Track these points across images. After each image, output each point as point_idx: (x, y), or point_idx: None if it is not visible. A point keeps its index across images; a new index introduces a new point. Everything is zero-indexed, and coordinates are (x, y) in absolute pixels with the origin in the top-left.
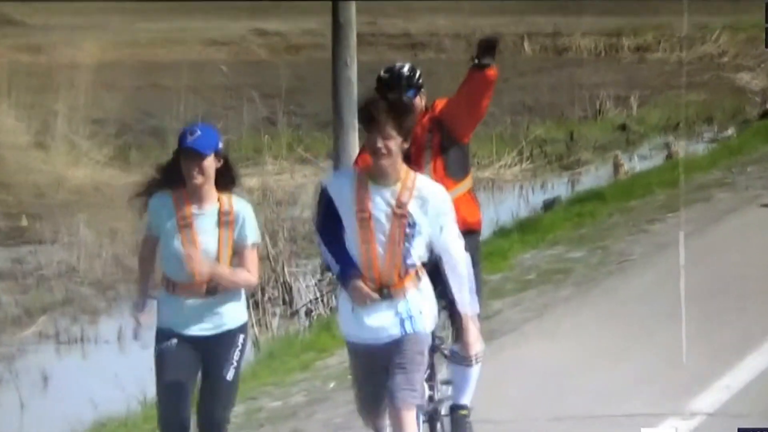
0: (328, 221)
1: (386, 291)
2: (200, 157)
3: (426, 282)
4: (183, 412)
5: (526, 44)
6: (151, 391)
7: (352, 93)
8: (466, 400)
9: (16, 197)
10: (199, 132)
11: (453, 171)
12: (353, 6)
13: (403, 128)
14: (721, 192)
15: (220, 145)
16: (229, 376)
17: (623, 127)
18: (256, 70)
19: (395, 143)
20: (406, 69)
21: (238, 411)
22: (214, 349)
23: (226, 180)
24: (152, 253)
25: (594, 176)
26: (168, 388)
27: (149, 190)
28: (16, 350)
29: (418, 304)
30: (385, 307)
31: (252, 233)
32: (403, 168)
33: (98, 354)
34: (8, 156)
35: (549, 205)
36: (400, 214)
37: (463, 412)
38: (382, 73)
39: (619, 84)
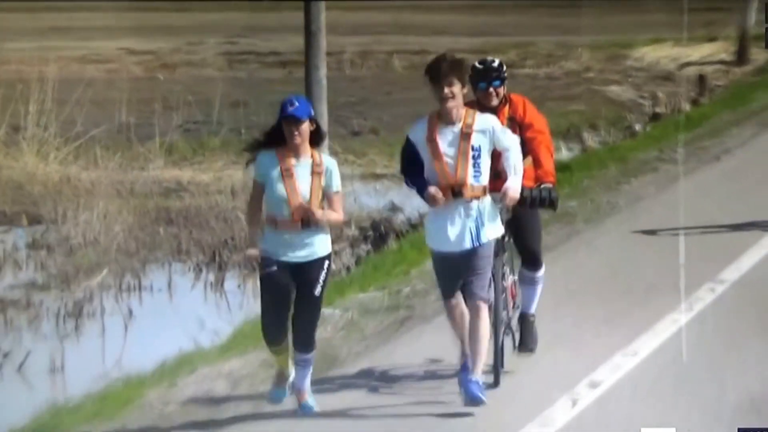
0: (409, 163)
1: (458, 191)
2: (299, 121)
3: (490, 201)
4: (282, 321)
5: (396, 61)
6: (199, 332)
7: (322, 93)
8: (532, 309)
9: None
10: (297, 103)
11: (522, 155)
12: (323, 16)
13: (462, 78)
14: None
15: (312, 113)
16: (317, 292)
17: None
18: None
19: (458, 89)
20: (495, 63)
21: (377, 296)
22: (306, 272)
23: (317, 139)
24: (260, 197)
25: None
26: (270, 302)
27: (257, 148)
28: (85, 297)
29: (484, 215)
30: (460, 225)
31: (336, 182)
32: (464, 109)
33: (152, 300)
34: None
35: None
36: (464, 142)
37: (531, 318)
38: (476, 63)
39: None
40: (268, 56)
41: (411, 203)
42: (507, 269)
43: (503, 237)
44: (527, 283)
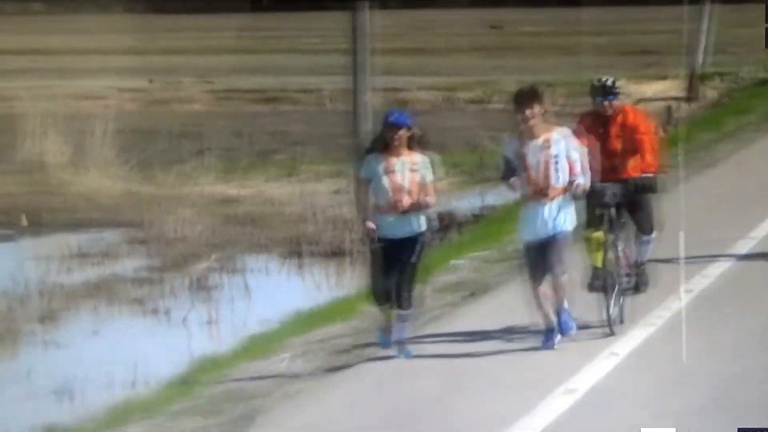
0: (506, 171)
1: (543, 193)
2: (398, 128)
3: (569, 199)
4: (389, 286)
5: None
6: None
7: (368, 113)
8: (644, 259)
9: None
10: (396, 114)
11: (632, 152)
12: (368, 47)
13: (540, 102)
14: None
15: (409, 122)
16: (413, 260)
17: None
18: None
19: (537, 111)
20: (609, 82)
21: (487, 254)
22: (407, 246)
23: (412, 143)
24: (366, 190)
25: None
26: (379, 270)
27: (367, 151)
28: (201, 275)
29: (564, 209)
30: (544, 218)
31: (429, 174)
32: (545, 126)
33: (256, 278)
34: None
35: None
36: (545, 153)
37: (643, 267)
38: (595, 81)
39: (474, 127)
40: (252, 93)
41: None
42: (620, 242)
43: (618, 217)
44: (642, 243)
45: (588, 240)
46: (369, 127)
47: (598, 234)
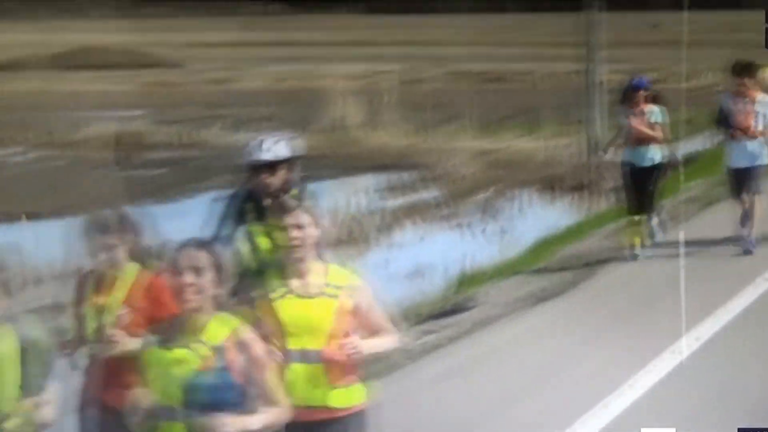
0: (720, 118)
1: (746, 133)
2: (639, 89)
3: (763, 141)
4: (639, 198)
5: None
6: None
7: (595, 92)
8: None
9: None
10: (637, 79)
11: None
12: (596, 33)
13: (752, 74)
14: None
15: (646, 84)
16: (655, 181)
17: None
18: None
19: (749, 82)
20: (751, 64)
21: (708, 180)
22: (649, 171)
23: (648, 98)
24: (619, 131)
25: None
26: (630, 189)
27: (619, 103)
28: (484, 203)
29: (760, 147)
30: (748, 151)
31: (659, 119)
32: (753, 90)
33: (523, 203)
34: None
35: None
36: (750, 106)
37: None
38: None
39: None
40: (480, 75)
41: None
42: None
43: None
44: None
45: None
46: (596, 98)
47: None
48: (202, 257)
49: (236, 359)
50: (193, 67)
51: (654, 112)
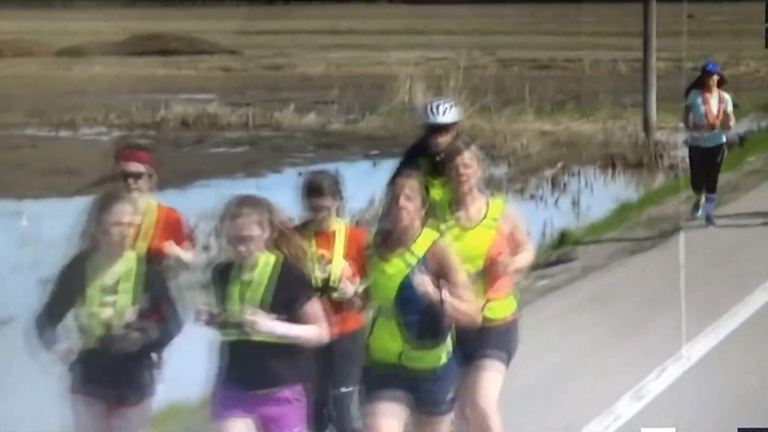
0: (687, 114)
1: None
2: (712, 74)
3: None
4: (701, 177)
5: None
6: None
7: (652, 76)
8: None
9: None
10: (710, 65)
11: None
12: (654, 21)
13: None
14: None
15: (718, 69)
16: (718, 160)
17: None
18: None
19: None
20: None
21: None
22: (714, 151)
23: (720, 83)
24: (688, 114)
25: None
26: (695, 167)
27: (689, 88)
28: (552, 178)
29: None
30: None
31: (730, 105)
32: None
33: (588, 179)
34: None
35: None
36: (718, 102)
37: None
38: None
39: None
40: (529, 62)
41: None
42: None
43: None
44: None
45: None
46: (652, 83)
47: None
48: (413, 185)
49: (434, 264)
50: (251, 53)
51: (728, 101)
